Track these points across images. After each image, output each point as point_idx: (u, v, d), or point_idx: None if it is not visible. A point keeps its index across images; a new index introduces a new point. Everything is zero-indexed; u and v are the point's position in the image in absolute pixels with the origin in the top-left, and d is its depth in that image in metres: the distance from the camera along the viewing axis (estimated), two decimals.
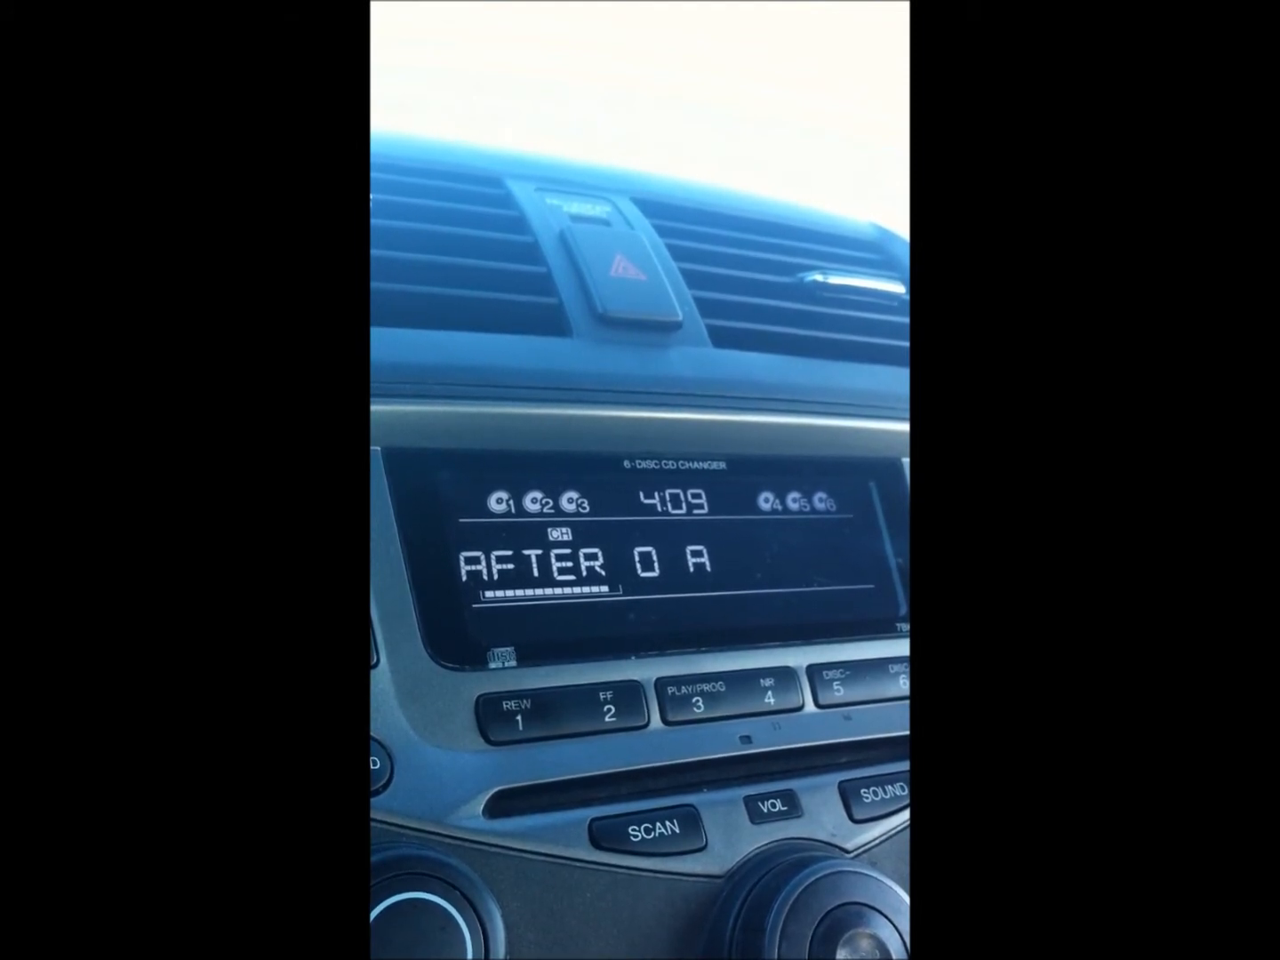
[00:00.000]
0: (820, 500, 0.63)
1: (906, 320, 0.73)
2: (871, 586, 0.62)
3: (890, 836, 0.53)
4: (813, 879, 0.47)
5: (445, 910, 0.41)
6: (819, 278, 0.71)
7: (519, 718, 0.49)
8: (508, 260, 0.61)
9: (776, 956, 0.45)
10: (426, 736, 0.47)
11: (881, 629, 0.61)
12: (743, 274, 0.70)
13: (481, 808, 0.46)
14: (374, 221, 0.57)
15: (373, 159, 0.62)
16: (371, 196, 0.56)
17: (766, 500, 0.61)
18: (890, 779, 0.55)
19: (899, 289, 0.74)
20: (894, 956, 0.46)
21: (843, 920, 0.46)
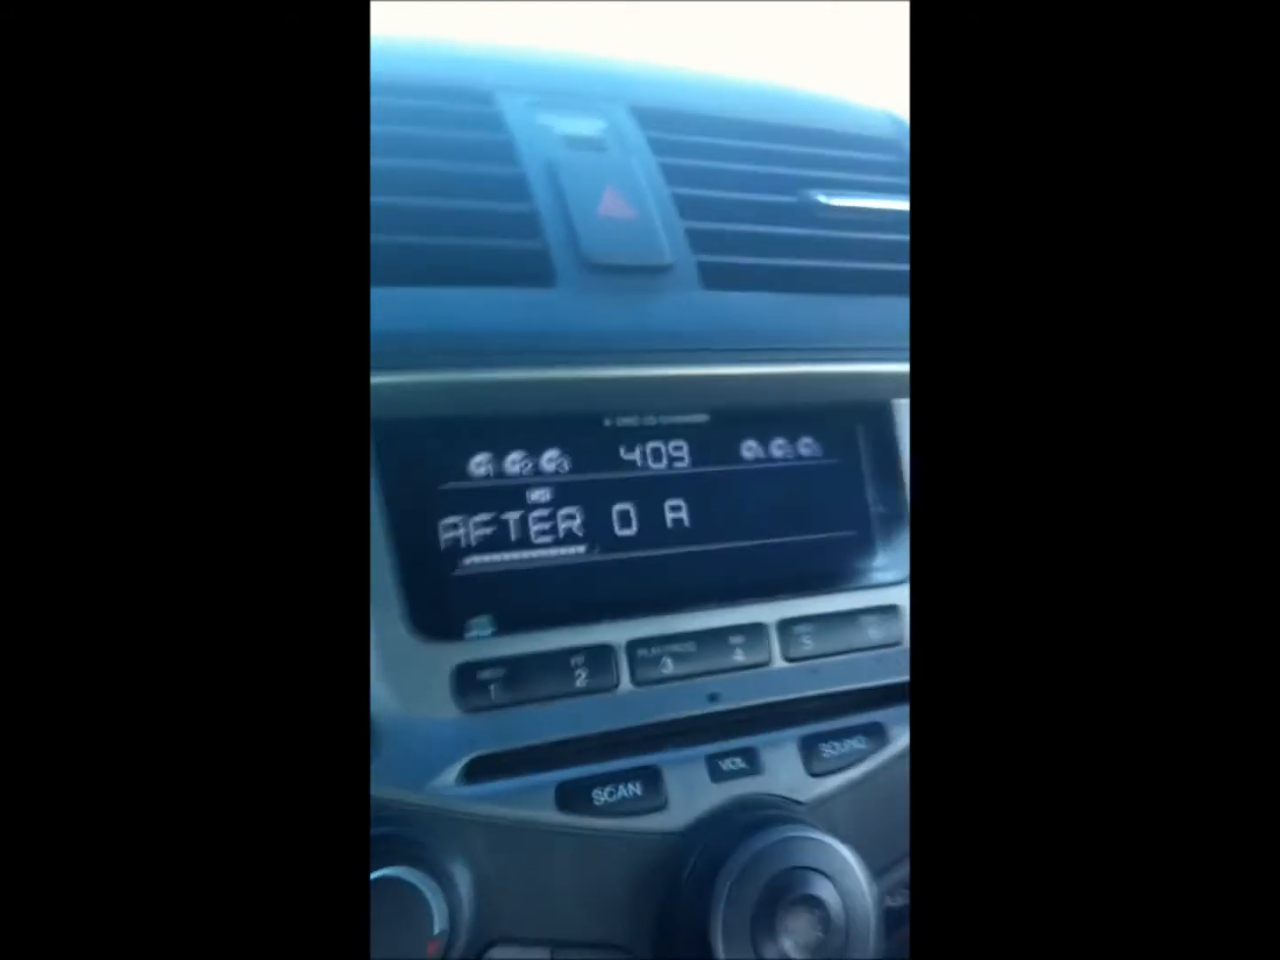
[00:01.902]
0: (805, 446, 0.63)
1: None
2: (852, 533, 0.64)
3: (846, 790, 0.57)
4: (761, 846, 0.50)
5: (414, 885, 0.45)
6: (822, 198, 0.69)
7: (493, 685, 0.52)
8: (493, 198, 0.59)
9: (723, 917, 0.49)
10: (406, 707, 0.50)
11: (857, 578, 0.63)
12: (741, 195, 0.67)
13: (456, 775, 0.50)
14: None
15: None
16: None
17: (750, 449, 0.62)
18: (850, 732, 0.58)
19: (906, 205, 0.71)
20: (834, 914, 0.50)
21: (787, 885, 0.50)
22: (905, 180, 0.75)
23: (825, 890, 0.50)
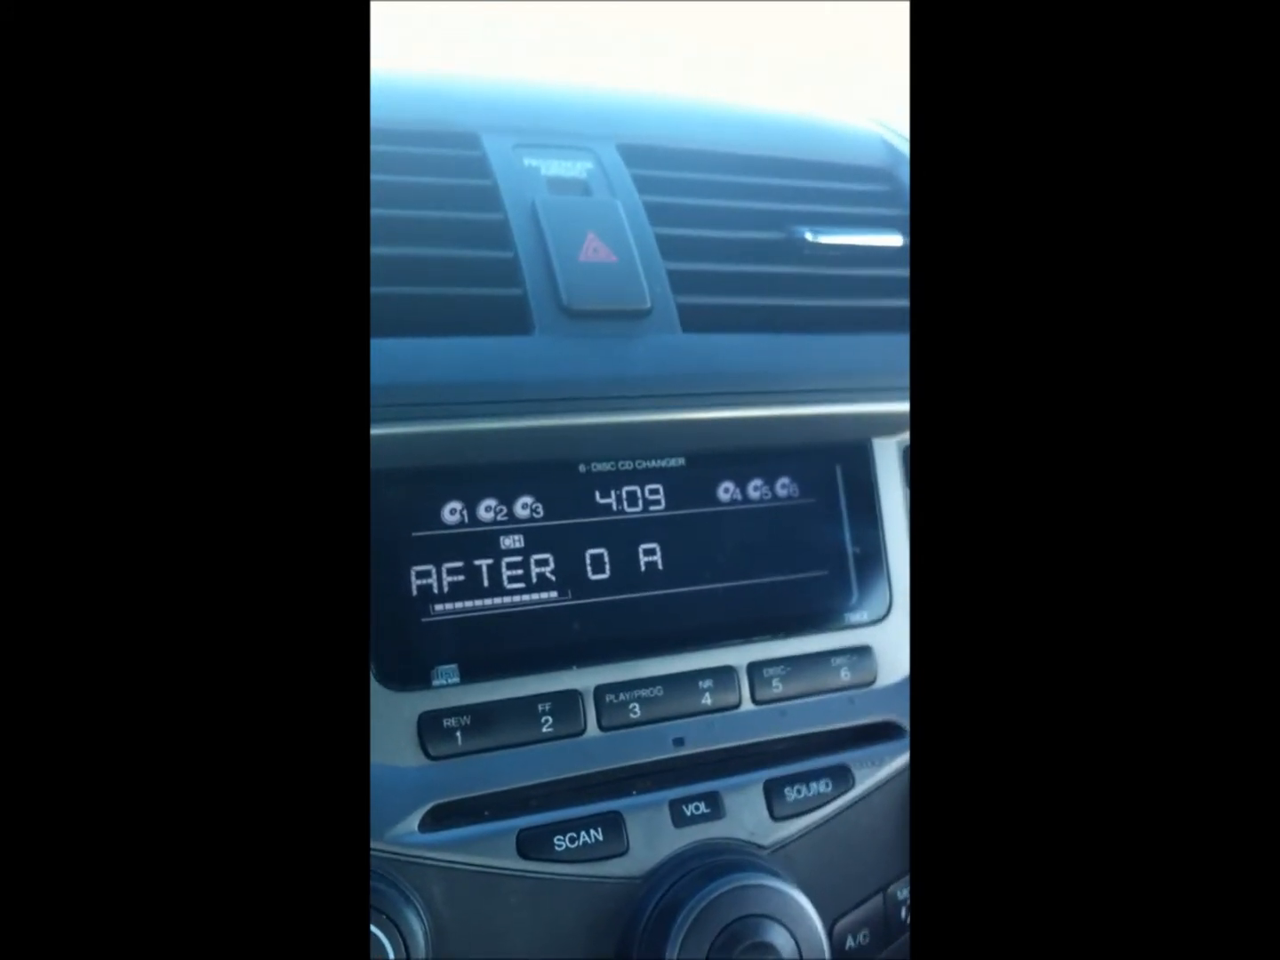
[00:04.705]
0: (783, 487, 0.64)
1: (903, 273, 0.71)
2: (826, 574, 0.64)
3: (808, 832, 0.58)
4: (715, 894, 0.51)
5: (370, 933, 0.47)
6: (809, 235, 0.69)
7: (459, 733, 0.53)
8: (474, 245, 0.60)
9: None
10: (371, 754, 0.51)
11: (831, 619, 0.63)
12: (727, 234, 0.67)
13: (418, 823, 0.51)
14: None
15: None
16: None
17: (726, 491, 0.62)
18: (815, 775, 0.59)
19: (895, 241, 0.72)
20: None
21: (740, 933, 0.51)
22: (897, 211, 0.75)
23: (779, 938, 0.52)
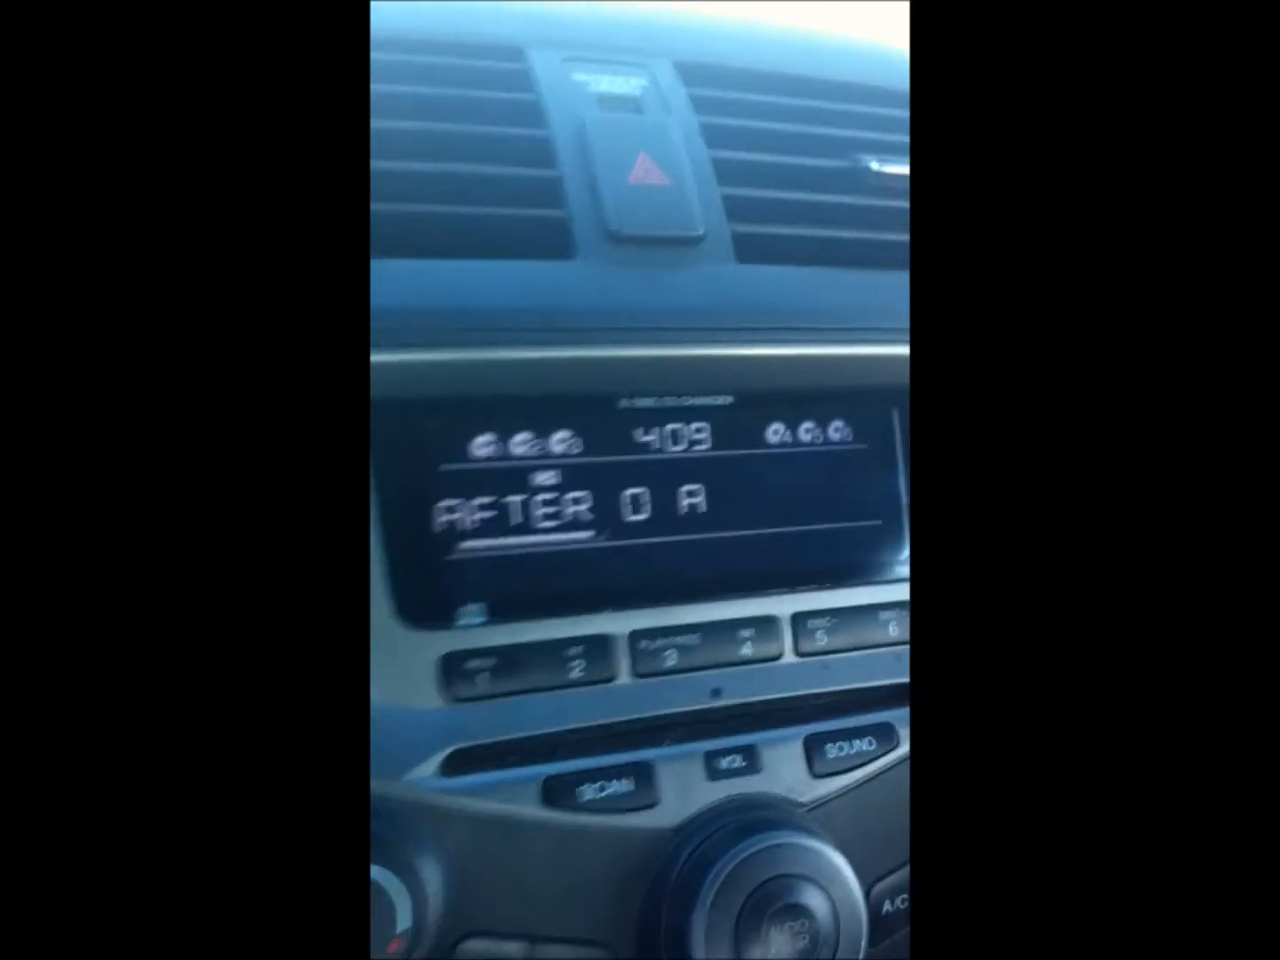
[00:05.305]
0: (836, 431, 0.60)
1: None
2: (878, 523, 0.61)
3: (848, 791, 0.55)
4: (749, 852, 0.49)
5: (377, 884, 0.44)
6: (874, 164, 0.64)
7: (484, 675, 0.51)
8: (515, 163, 0.57)
9: (706, 922, 0.48)
10: (388, 695, 0.49)
11: (880, 571, 0.60)
12: (786, 159, 0.63)
13: (437, 766, 0.49)
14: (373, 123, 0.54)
15: (378, 34, 0.57)
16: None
17: (775, 433, 0.59)
18: (858, 733, 0.56)
19: None
20: (821, 923, 0.49)
21: (774, 893, 0.49)
22: None
23: (814, 899, 0.49)
